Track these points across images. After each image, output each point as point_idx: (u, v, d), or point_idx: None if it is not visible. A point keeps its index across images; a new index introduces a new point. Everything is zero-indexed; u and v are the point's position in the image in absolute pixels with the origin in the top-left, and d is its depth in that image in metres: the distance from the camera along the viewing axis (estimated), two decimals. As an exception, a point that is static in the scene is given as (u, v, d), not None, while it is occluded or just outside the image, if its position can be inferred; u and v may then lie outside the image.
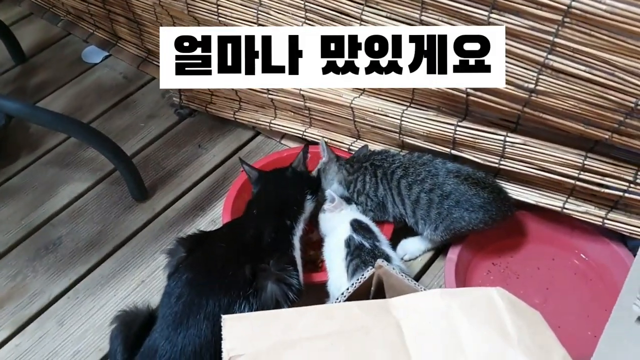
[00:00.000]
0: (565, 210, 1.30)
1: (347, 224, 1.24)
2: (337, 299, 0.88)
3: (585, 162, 1.20)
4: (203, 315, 1.03)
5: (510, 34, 1.05)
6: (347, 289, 0.89)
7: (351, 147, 1.54)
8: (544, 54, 1.04)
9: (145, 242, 1.51)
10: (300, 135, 1.63)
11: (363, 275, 0.91)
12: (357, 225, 1.23)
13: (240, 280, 1.07)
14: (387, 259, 1.14)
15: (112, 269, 1.46)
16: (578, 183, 1.24)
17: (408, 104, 1.38)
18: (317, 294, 1.30)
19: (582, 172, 1.22)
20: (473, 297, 0.83)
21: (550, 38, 1.01)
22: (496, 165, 1.31)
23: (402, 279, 0.88)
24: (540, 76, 1.07)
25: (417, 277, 1.39)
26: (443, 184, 1.27)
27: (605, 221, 1.27)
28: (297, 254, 1.21)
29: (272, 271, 1.10)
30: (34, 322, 1.36)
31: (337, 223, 1.30)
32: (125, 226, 1.54)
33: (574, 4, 0.94)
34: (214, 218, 1.55)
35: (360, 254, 1.16)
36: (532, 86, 1.09)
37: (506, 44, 1.07)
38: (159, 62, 1.94)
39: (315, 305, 1.29)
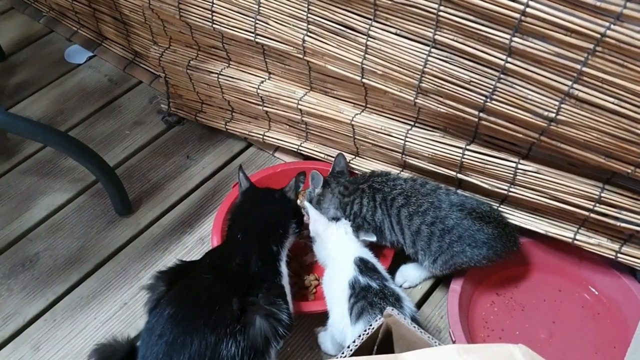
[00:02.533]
0: (576, 242, 1.23)
1: (350, 262, 1.15)
2: (343, 353, 0.80)
3: (602, 195, 1.13)
4: (188, 356, 0.93)
5: (533, 59, 0.98)
6: (354, 341, 0.81)
7: (350, 164, 1.46)
8: (569, 83, 0.97)
9: (128, 260, 1.42)
10: (296, 149, 1.54)
11: (371, 326, 0.83)
12: (362, 266, 1.14)
13: (228, 315, 0.98)
14: (398, 299, 1.06)
15: (92, 289, 1.37)
16: (592, 215, 1.17)
17: (412, 123, 1.30)
18: (307, 323, 1.26)
19: (597, 205, 1.15)
20: (493, 355, 0.75)
21: (578, 67, 0.94)
22: (505, 192, 1.24)
23: (415, 331, 0.80)
24: (563, 105, 1.00)
25: (418, 306, 1.32)
26: (445, 217, 1.20)
27: (619, 255, 1.20)
28: (286, 280, 1.14)
29: (261, 305, 1.01)
30: (8, 346, 1.27)
31: (335, 252, 1.21)
32: (107, 242, 1.45)
33: (608, 32, 0.86)
34: (203, 235, 1.46)
35: (367, 295, 1.08)
36: (552, 115, 1.02)
37: (528, 69, 0.99)
38: (146, 65, 1.85)
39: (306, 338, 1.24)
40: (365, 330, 0.83)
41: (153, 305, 1.04)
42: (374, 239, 1.26)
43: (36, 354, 1.26)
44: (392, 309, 0.83)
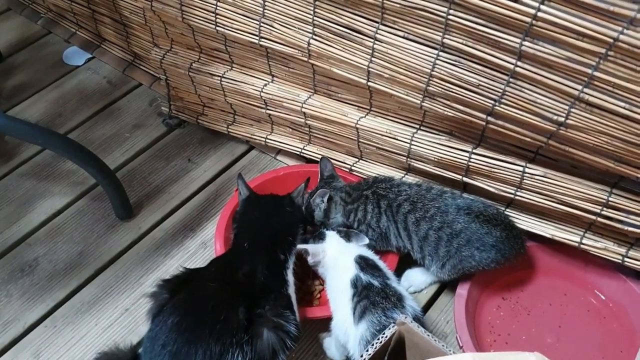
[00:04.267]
0: (582, 246, 1.22)
1: (351, 261, 1.14)
2: (356, 361, 0.79)
3: (610, 199, 1.12)
4: None
5: (543, 63, 0.97)
6: (367, 350, 0.80)
7: (353, 168, 1.45)
8: (579, 87, 0.96)
9: (130, 265, 1.40)
10: (298, 153, 1.53)
11: (384, 334, 0.81)
12: (363, 263, 1.13)
13: (234, 325, 0.96)
14: (400, 298, 1.06)
15: (93, 295, 1.35)
16: (599, 219, 1.16)
17: (418, 126, 1.29)
18: (312, 329, 1.25)
19: (605, 208, 1.14)
20: (508, 364, 0.74)
21: (589, 71, 0.93)
22: (511, 195, 1.23)
23: (429, 340, 0.79)
24: (572, 110, 0.99)
25: (423, 311, 1.31)
26: (453, 222, 1.19)
27: (626, 259, 1.20)
28: (292, 289, 1.12)
29: (269, 317, 0.99)
30: (7, 353, 1.25)
31: (332, 263, 1.21)
32: (108, 247, 1.43)
33: (621, 37, 0.85)
34: (205, 240, 1.45)
35: (369, 294, 1.07)
36: (562, 119, 1.01)
37: (538, 73, 0.98)
38: (146, 67, 1.83)
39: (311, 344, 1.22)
40: (378, 339, 0.82)
41: (156, 312, 1.02)
42: (366, 241, 1.24)
43: (37, 361, 1.24)
44: (406, 317, 0.82)
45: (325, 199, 1.30)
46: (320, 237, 1.24)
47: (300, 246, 1.20)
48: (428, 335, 0.80)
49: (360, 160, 1.46)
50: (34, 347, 1.26)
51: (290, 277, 1.13)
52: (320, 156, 1.48)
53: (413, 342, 0.83)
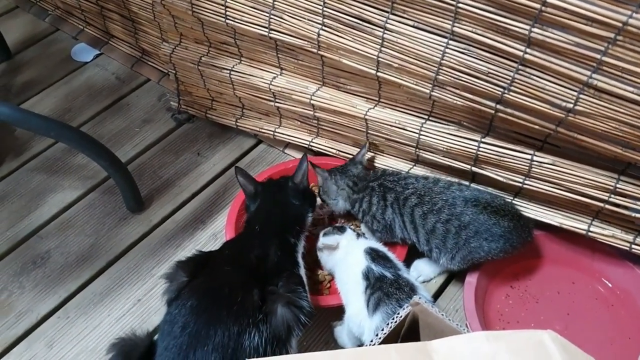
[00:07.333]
0: (590, 234, 1.23)
1: (360, 253, 1.15)
2: (372, 341, 0.80)
3: (618, 185, 1.13)
4: (212, 347, 0.93)
5: (552, 50, 0.98)
6: (382, 329, 0.81)
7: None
8: (588, 73, 0.97)
9: (141, 256, 1.42)
10: (307, 146, 1.54)
11: (399, 314, 0.83)
12: (374, 255, 1.15)
13: (250, 306, 0.98)
14: (412, 289, 1.07)
15: (105, 287, 1.36)
16: (607, 206, 1.17)
17: (427, 117, 1.30)
18: (323, 318, 1.27)
19: (612, 195, 1.15)
20: (522, 341, 0.75)
21: (598, 56, 0.94)
22: (520, 184, 1.24)
23: (443, 319, 0.80)
24: (581, 96, 1.00)
25: (433, 300, 1.32)
26: (461, 214, 1.20)
27: (633, 246, 1.21)
28: (303, 272, 1.14)
29: (281, 293, 1.02)
30: (21, 343, 1.27)
31: (342, 256, 1.22)
32: (119, 239, 1.45)
33: (630, 21, 0.87)
34: (216, 232, 1.46)
35: (382, 285, 1.08)
36: (570, 105, 1.02)
37: (546, 60, 0.99)
38: (154, 63, 1.84)
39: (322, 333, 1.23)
40: (393, 319, 0.83)
41: (174, 296, 1.04)
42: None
43: (50, 351, 1.25)
44: (420, 297, 0.83)
45: (321, 181, 1.32)
46: (341, 230, 1.25)
47: (321, 242, 1.23)
48: (442, 314, 0.82)
49: (369, 152, 1.47)
50: (48, 337, 1.27)
51: (300, 260, 1.16)
52: (328, 149, 1.51)
53: (427, 323, 0.85)
